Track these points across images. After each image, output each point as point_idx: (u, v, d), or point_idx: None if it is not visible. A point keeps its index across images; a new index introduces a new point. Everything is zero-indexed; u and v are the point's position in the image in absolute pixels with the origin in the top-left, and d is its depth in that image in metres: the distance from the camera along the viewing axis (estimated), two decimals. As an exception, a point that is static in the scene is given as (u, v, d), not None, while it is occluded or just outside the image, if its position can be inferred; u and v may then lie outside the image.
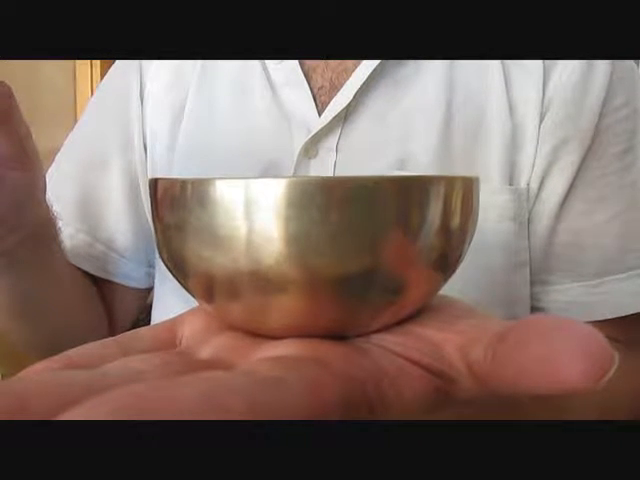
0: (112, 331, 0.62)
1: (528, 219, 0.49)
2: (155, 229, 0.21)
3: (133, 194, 0.57)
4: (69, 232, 0.57)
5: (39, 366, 0.17)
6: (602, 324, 0.49)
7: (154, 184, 0.20)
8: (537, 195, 0.49)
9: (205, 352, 0.19)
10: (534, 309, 0.52)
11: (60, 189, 0.58)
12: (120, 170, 0.57)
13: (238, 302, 0.19)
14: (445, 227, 0.19)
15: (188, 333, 0.21)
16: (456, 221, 0.19)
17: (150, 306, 0.62)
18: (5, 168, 0.35)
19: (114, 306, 0.61)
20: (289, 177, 0.17)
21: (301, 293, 0.18)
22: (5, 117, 0.32)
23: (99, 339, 0.67)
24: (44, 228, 0.45)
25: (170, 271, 0.21)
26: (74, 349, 0.19)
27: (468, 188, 0.20)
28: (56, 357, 0.18)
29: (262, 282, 0.18)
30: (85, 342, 0.65)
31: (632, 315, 0.48)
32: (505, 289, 0.49)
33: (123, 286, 0.60)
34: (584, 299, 0.50)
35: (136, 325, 0.76)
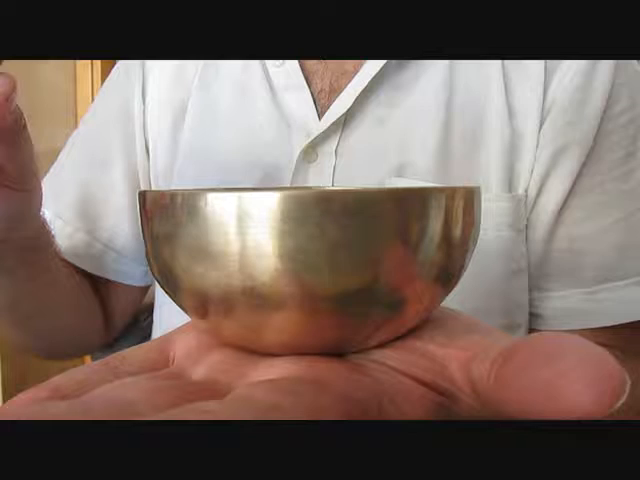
0: (109, 328, 0.62)
1: (526, 225, 0.49)
2: (145, 242, 0.20)
3: (134, 194, 0.58)
4: (68, 231, 0.57)
5: (24, 396, 0.16)
6: (596, 331, 0.49)
7: (143, 196, 0.19)
8: (535, 201, 0.48)
9: (199, 372, 0.18)
10: (532, 315, 0.52)
11: (61, 188, 0.59)
12: (122, 170, 0.58)
13: (232, 319, 0.18)
14: (447, 240, 0.18)
15: (180, 352, 0.20)
16: (458, 233, 0.19)
17: (152, 306, 0.63)
18: (8, 188, 0.34)
19: (112, 304, 0.62)
20: (283, 189, 0.16)
21: (297, 311, 0.17)
22: (13, 137, 0.31)
23: (95, 337, 0.67)
24: (36, 239, 0.45)
25: (161, 285, 0.20)
26: (61, 375, 0.18)
27: (469, 199, 0.19)
28: (43, 384, 0.17)
29: (257, 299, 0.17)
30: (81, 340, 0.65)
31: (627, 323, 0.48)
32: (503, 296, 0.49)
33: (121, 284, 0.60)
34: (582, 306, 0.49)
35: (137, 326, 0.77)
